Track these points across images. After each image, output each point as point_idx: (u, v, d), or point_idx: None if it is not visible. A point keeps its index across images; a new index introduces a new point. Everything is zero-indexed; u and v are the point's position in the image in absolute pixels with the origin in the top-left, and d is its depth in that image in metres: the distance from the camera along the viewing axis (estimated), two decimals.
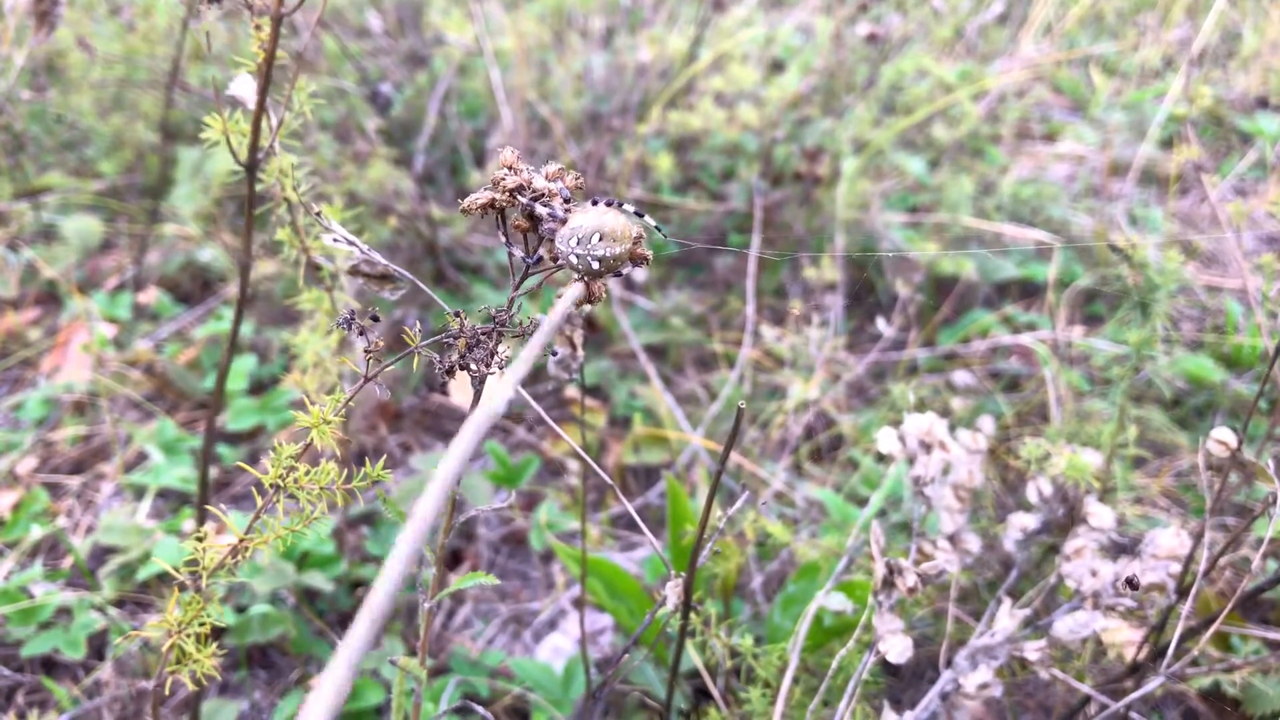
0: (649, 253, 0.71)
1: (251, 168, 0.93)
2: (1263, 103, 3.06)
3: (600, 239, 0.68)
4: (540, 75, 2.79)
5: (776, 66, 2.97)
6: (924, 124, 2.67)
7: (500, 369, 0.77)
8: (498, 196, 0.73)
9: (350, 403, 0.81)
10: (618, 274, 0.72)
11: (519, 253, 0.71)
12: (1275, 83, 3.07)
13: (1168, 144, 2.84)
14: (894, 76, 2.62)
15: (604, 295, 0.74)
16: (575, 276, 0.71)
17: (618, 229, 0.68)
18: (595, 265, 0.69)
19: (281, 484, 0.81)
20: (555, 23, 3.00)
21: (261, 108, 0.89)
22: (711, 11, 2.67)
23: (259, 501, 0.86)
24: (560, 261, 0.70)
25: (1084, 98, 3.22)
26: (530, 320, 0.78)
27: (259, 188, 0.99)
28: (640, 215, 0.71)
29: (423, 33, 2.85)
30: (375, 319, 0.79)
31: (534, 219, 0.72)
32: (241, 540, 0.86)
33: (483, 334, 0.75)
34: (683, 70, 2.56)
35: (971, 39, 3.18)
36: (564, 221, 0.69)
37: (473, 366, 0.77)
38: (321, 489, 0.84)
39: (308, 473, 0.83)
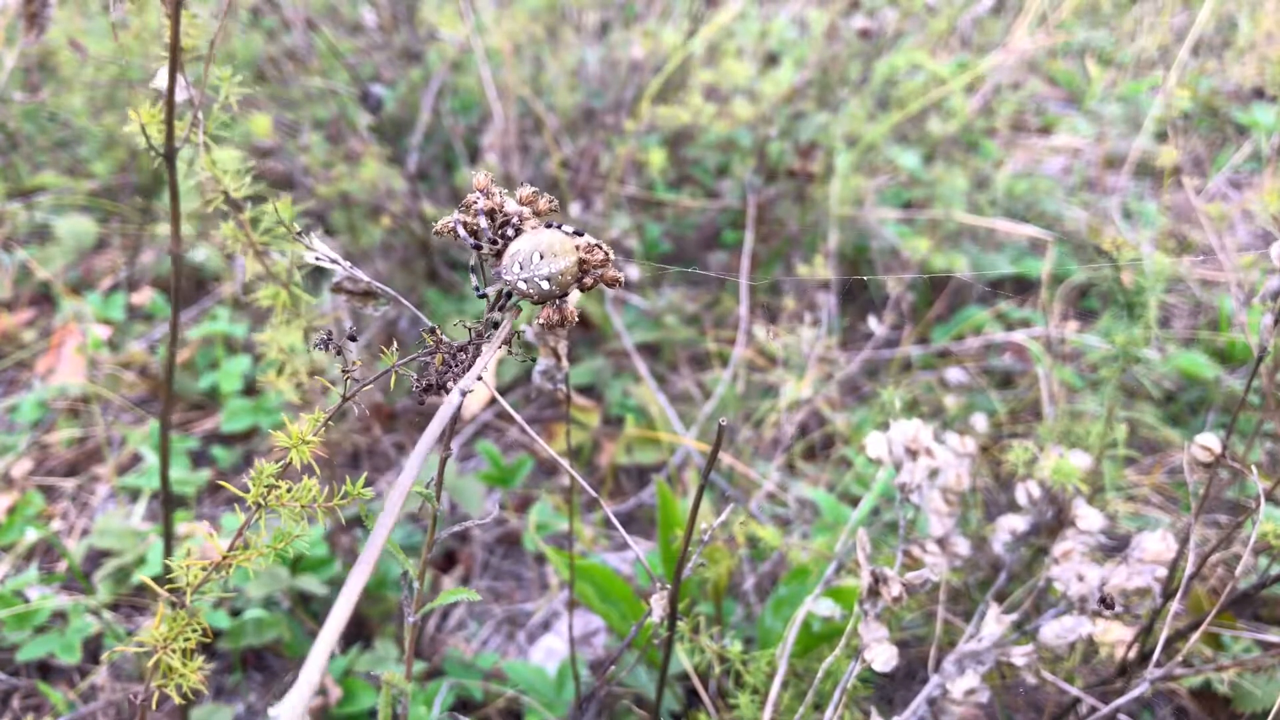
0: (619, 274, 0.71)
1: (170, 156, 0.93)
2: (1259, 93, 3.05)
3: (541, 257, 0.68)
4: (534, 71, 2.78)
5: (771, 60, 2.96)
6: (918, 118, 2.67)
7: (480, 379, 0.78)
8: (467, 220, 0.74)
9: (330, 422, 0.82)
10: (582, 289, 0.73)
11: (475, 280, 0.72)
12: (1271, 73, 3.06)
13: (1163, 136, 2.84)
14: (888, 71, 2.61)
15: (575, 317, 0.73)
16: (534, 302, 0.72)
17: (556, 244, 0.69)
18: (546, 285, 0.69)
19: (263, 503, 0.82)
20: (549, 18, 2.99)
21: (172, 96, 0.89)
22: (705, 7, 2.66)
23: (240, 519, 0.87)
24: (511, 291, 0.70)
25: (1079, 89, 3.21)
26: (509, 329, 0.78)
27: (193, 182, 0.99)
28: (580, 235, 0.71)
29: (416, 28, 2.84)
30: (353, 338, 0.79)
31: (479, 247, 0.72)
32: (225, 558, 0.87)
33: (459, 350, 0.75)
34: (673, 60, 2.56)
35: (966, 31, 3.17)
36: (498, 247, 0.70)
37: (449, 385, 0.77)
38: (303, 506, 0.85)
39: (289, 490, 0.83)
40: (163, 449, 1.14)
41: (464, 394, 0.66)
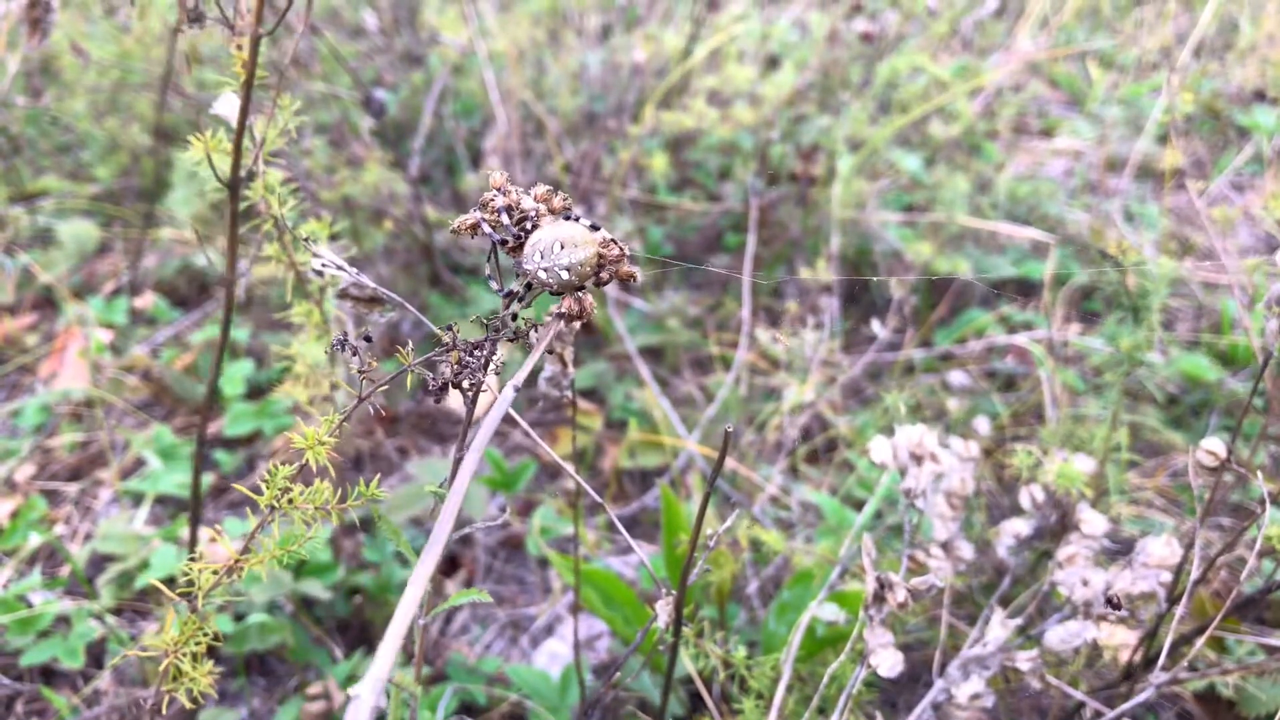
0: (635, 270, 0.71)
1: (234, 187, 0.93)
2: (1260, 95, 3.05)
3: (562, 247, 0.69)
4: (536, 74, 2.78)
5: (772, 63, 2.97)
6: (920, 121, 2.67)
7: (497, 374, 0.78)
8: (486, 217, 0.74)
9: (345, 423, 0.82)
10: (598, 283, 0.73)
11: (495, 285, 0.72)
12: (1272, 75, 3.06)
13: (1165, 139, 2.83)
14: (889, 74, 2.61)
15: (594, 309, 0.74)
16: (552, 293, 0.72)
17: (576, 235, 0.70)
18: (565, 275, 0.70)
19: (277, 505, 0.82)
20: (551, 21, 2.99)
21: (243, 128, 0.89)
22: (706, 11, 2.67)
23: (253, 521, 0.87)
24: (533, 282, 0.71)
25: (1081, 92, 3.21)
26: (526, 324, 0.78)
27: (245, 204, 0.99)
28: (596, 229, 0.72)
29: (418, 32, 2.84)
30: (369, 339, 0.79)
31: (504, 241, 0.73)
32: (237, 561, 0.87)
33: (474, 348, 0.76)
34: (677, 67, 2.56)
35: (967, 34, 3.17)
36: (519, 241, 0.70)
37: (465, 384, 0.78)
38: (316, 508, 0.85)
39: (302, 493, 0.83)
40: (196, 466, 1.14)
41: (516, 390, 0.67)
